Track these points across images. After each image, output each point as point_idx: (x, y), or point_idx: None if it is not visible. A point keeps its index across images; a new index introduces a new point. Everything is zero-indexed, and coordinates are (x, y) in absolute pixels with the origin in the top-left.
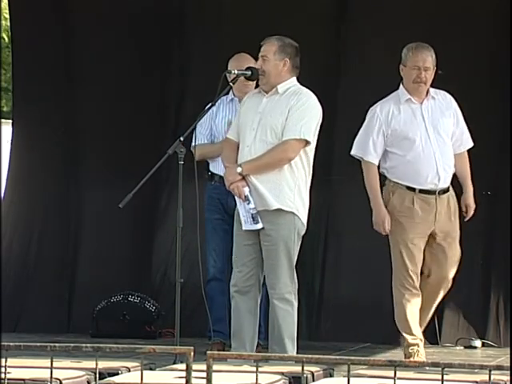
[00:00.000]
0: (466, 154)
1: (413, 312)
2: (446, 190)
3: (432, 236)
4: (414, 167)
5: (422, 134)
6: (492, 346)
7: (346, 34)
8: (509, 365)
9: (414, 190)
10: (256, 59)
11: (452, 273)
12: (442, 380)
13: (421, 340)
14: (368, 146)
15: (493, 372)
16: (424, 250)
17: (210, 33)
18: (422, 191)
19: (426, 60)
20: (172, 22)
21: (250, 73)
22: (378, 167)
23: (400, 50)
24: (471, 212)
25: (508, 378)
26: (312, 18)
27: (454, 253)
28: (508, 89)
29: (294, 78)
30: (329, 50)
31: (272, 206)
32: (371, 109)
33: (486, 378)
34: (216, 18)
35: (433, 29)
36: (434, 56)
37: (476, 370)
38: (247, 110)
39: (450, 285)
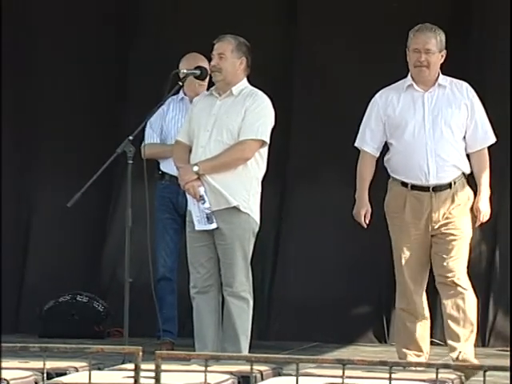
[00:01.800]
0: (484, 153)
1: (408, 330)
2: (445, 187)
3: (432, 235)
4: (404, 158)
5: (417, 123)
6: (439, 344)
7: (297, 34)
8: (455, 363)
9: (406, 185)
10: (207, 58)
11: (457, 274)
12: (390, 379)
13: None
14: (365, 135)
15: (440, 370)
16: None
17: (160, 33)
18: (414, 187)
19: (426, 42)
20: (123, 23)
21: (199, 72)
22: (378, 161)
23: (352, 47)
24: (481, 217)
25: (454, 376)
26: (262, 18)
27: (455, 252)
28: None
29: (246, 79)
30: (281, 51)
31: (232, 203)
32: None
33: (434, 376)
34: (166, 18)
35: (382, 27)
36: (439, 38)
37: (423, 369)
38: (199, 112)
39: (460, 290)
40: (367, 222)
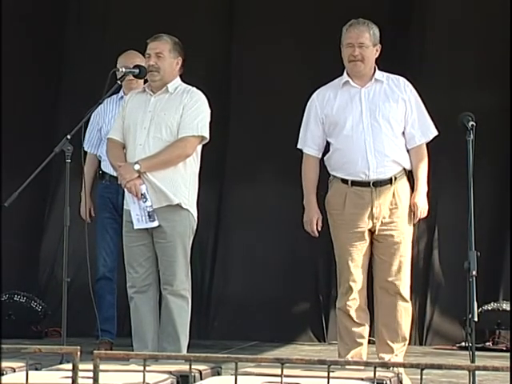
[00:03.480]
0: (422, 148)
1: (347, 330)
2: (386, 182)
3: (373, 234)
4: (343, 155)
5: (354, 120)
6: None
7: (234, 34)
8: (393, 362)
9: (347, 182)
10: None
11: (401, 284)
12: (328, 377)
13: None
14: (306, 137)
15: (378, 369)
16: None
17: (96, 32)
18: (354, 183)
19: (359, 36)
20: (56, 23)
21: (137, 71)
22: (322, 161)
23: (289, 47)
24: (418, 213)
25: (392, 374)
26: (199, 18)
27: (398, 257)
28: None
29: (179, 77)
30: (218, 51)
31: (174, 201)
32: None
33: (371, 374)
34: (100, 17)
35: (320, 26)
36: (373, 32)
37: (361, 367)
38: (133, 109)
39: (402, 302)
40: (319, 229)
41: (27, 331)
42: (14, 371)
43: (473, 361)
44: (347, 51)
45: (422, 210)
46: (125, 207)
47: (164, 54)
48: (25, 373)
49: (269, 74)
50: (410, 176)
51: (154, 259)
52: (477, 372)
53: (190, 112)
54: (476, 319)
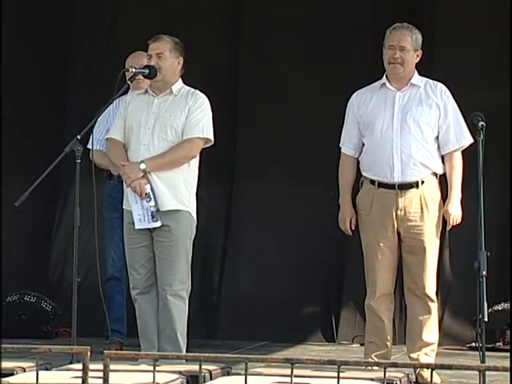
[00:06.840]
0: (455, 155)
1: (372, 328)
2: (411, 185)
3: (400, 237)
4: (371, 155)
5: (385, 122)
6: None
7: (242, 33)
8: (403, 362)
9: (374, 183)
10: None
11: (426, 285)
12: (338, 377)
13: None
14: (344, 135)
15: (388, 369)
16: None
17: (104, 31)
18: (381, 185)
19: (401, 39)
20: (66, 21)
21: (147, 71)
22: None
23: (298, 46)
24: (451, 220)
25: (402, 375)
26: (207, 18)
27: (424, 260)
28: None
29: (181, 78)
30: (226, 51)
31: (171, 207)
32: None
33: (381, 374)
34: (107, 18)
35: (330, 25)
36: (415, 37)
37: (371, 367)
38: (136, 110)
39: (429, 302)
40: (353, 228)
41: (37, 331)
42: (25, 371)
43: (483, 361)
44: (388, 53)
45: (455, 217)
46: (124, 208)
47: (165, 54)
48: (35, 373)
49: (277, 73)
50: (444, 181)
51: (154, 260)
52: (487, 372)
53: (196, 114)
54: (486, 319)
